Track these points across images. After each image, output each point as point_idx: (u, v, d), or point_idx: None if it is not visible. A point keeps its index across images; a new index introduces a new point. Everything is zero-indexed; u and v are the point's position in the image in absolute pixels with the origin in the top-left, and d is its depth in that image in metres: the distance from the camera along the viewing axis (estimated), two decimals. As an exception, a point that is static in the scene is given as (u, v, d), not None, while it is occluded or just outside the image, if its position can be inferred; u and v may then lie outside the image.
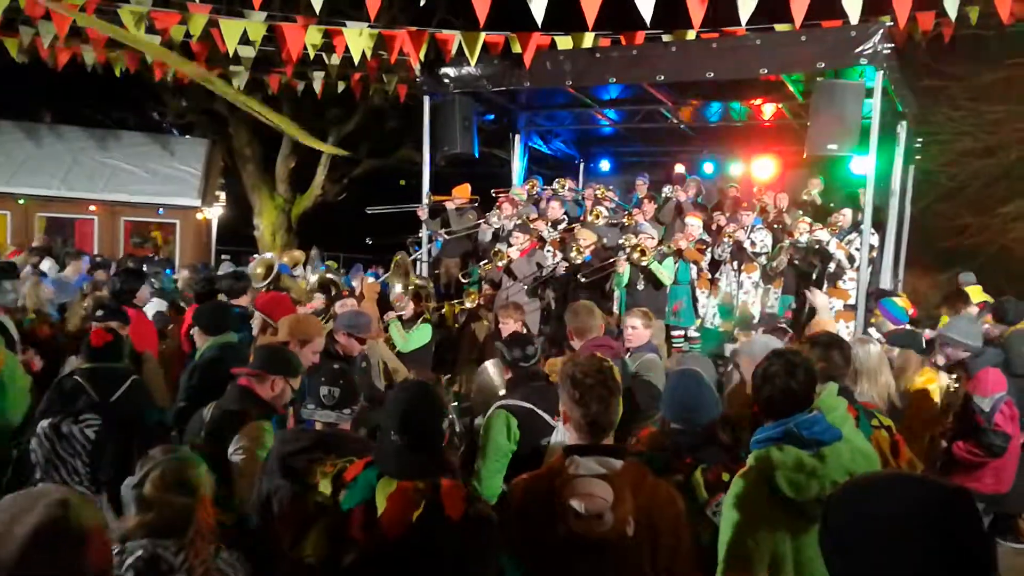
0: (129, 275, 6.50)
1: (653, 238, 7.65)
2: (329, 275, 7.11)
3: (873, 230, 7.17)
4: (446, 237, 8.64)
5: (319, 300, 6.32)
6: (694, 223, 8.15)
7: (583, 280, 7.28)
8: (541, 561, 2.09)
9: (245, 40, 7.79)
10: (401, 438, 2.18)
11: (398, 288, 6.81)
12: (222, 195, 17.65)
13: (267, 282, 6.42)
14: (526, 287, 7.54)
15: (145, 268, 9.21)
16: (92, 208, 15.01)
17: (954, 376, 4.85)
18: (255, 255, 12.38)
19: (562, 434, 3.17)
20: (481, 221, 8.48)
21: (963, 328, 4.49)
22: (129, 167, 15.48)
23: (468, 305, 7.28)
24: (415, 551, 2.03)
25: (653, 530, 2.06)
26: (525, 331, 4.99)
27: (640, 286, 7.45)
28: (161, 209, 15.43)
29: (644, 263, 7.28)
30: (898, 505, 1.21)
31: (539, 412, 3.28)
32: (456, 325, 7.33)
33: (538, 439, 3.24)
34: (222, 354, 4.15)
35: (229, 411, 3.22)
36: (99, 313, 4.96)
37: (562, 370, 2.28)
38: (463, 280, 8.10)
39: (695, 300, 8.16)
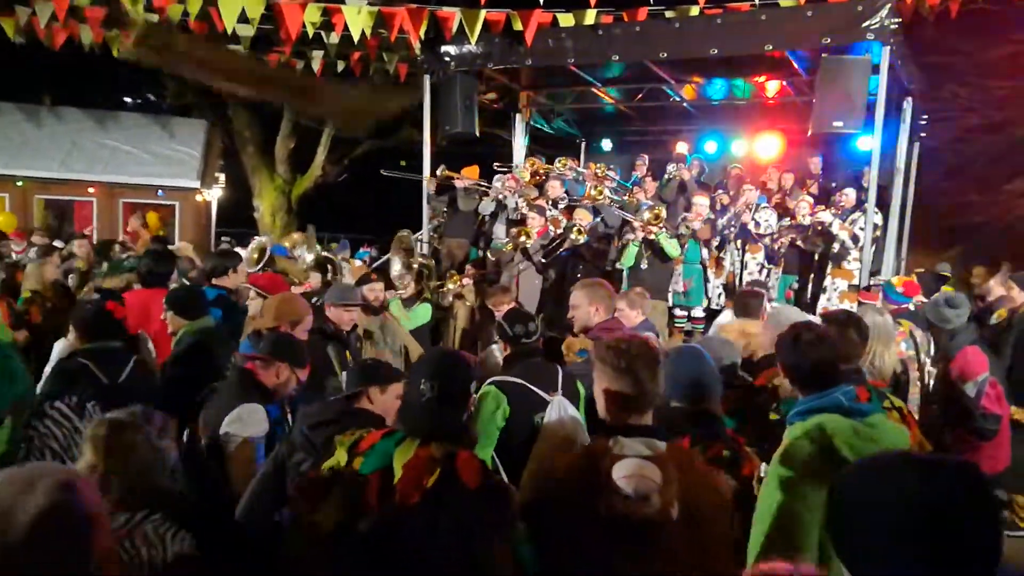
0: (159, 258, 6.13)
1: (662, 210, 7.61)
2: (325, 254, 7.08)
3: (877, 209, 7.12)
4: (438, 220, 8.62)
5: (315, 280, 6.31)
6: (702, 202, 8.10)
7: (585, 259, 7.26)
8: (577, 541, 2.06)
9: (244, 19, 7.70)
10: (431, 390, 2.19)
11: (398, 266, 6.79)
12: (222, 177, 17.57)
13: (260, 265, 6.36)
14: (533, 265, 7.52)
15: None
16: (91, 190, 14.97)
17: (924, 354, 4.86)
18: (255, 237, 12.34)
19: (557, 409, 3.19)
20: (484, 186, 8.43)
21: (931, 310, 4.51)
22: (128, 148, 15.41)
23: (450, 287, 7.22)
24: (430, 519, 2.02)
25: (695, 516, 2.02)
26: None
27: (644, 265, 7.41)
28: (160, 191, 15.38)
29: (655, 234, 7.21)
30: (907, 486, 1.19)
31: (532, 388, 3.26)
32: (447, 303, 7.32)
33: (531, 414, 3.23)
34: (202, 339, 4.03)
35: (226, 393, 3.20)
36: (95, 296, 4.82)
37: (599, 347, 2.25)
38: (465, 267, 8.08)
39: (706, 280, 8.12)
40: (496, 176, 8.54)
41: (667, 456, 2.06)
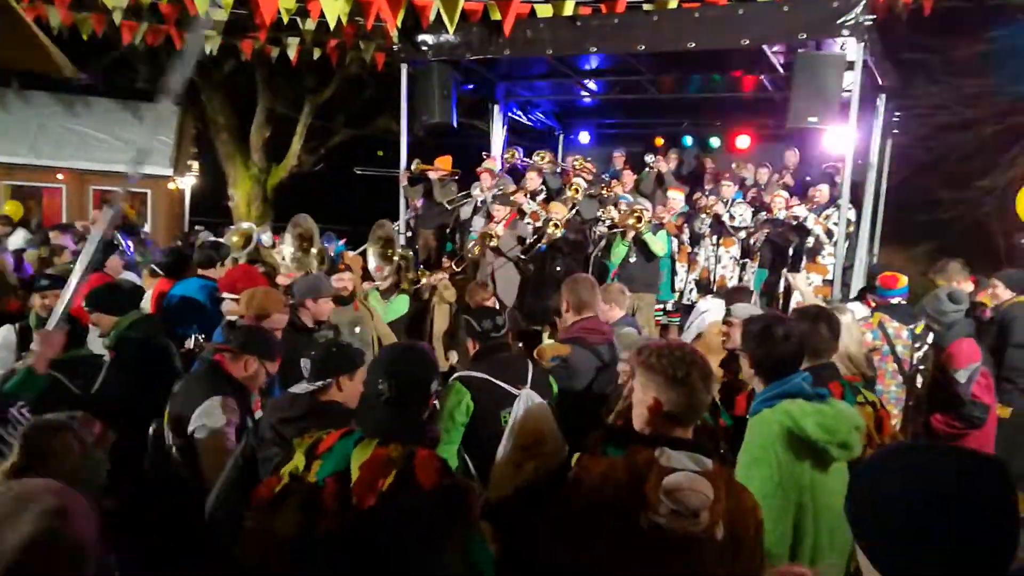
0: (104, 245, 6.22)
1: (645, 208, 7.64)
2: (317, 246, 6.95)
3: (850, 205, 7.19)
4: (418, 211, 8.56)
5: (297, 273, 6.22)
6: (677, 197, 8.16)
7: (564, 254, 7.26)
8: (607, 553, 1.94)
9: (216, 3, 7.56)
10: (389, 389, 2.14)
11: (374, 257, 6.73)
12: (195, 164, 17.31)
13: (245, 251, 6.28)
14: (510, 260, 7.50)
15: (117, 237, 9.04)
16: (60, 176, 14.66)
17: (917, 344, 4.91)
18: (230, 226, 12.19)
19: (524, 402, 3.17)
20: (464, 194, 8.40)
21: (930, 303, 4.56)
22: (98, 134, 15.10)
23: (423, 281, 7.15)
24: (386, 521, 1.98)
25: (736, 536, 1.95)
26: (496, 306, 4.96)
27: (632, 259, 7.43)
28: (132, 178, 15.10)
29: (640, 231, 7.25)
30: (929, 477, 1.20)
31: (498, 382, 3.22)
32: (425, 297, 7.27)
33: (497, 409, 3.20)
34: (143, 333, 3.91)
35: (193, 385, 3.16)
36: (42, 283, 4.52)
37: (648, 353, 2.12)
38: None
39: (675, 274, 8.18)
40: (473, 184, 8.50)
41: (715, 473, 1.97)
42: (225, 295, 4.55)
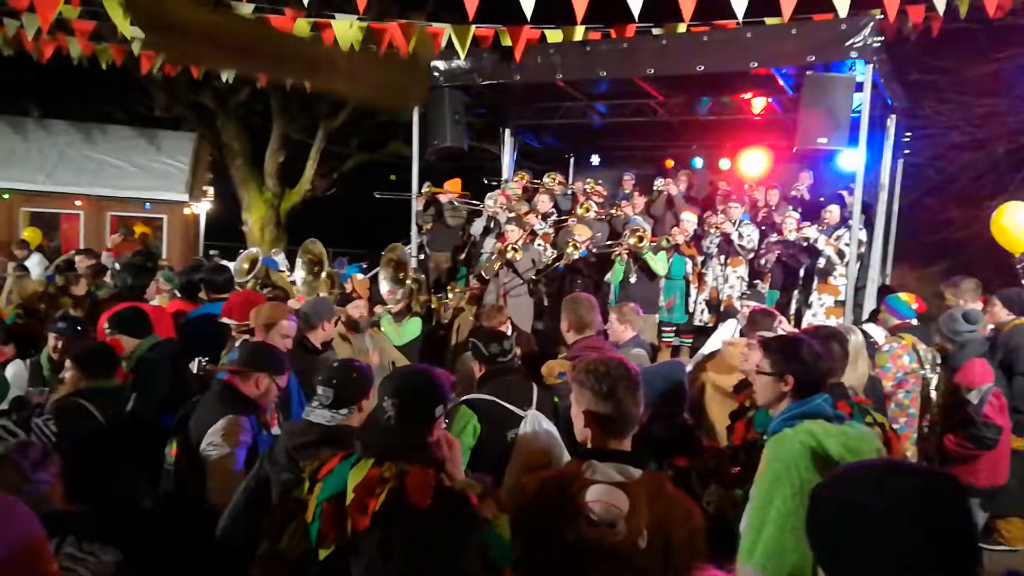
0: (137, 270, 6.15)
1: (647, 229, 7.68)
2: (328, 269, 7.03)
3: (861, 226, 7.19)
4: (425, 235, 8.63)
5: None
6: (689, 219, 8.18)
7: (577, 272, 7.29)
8: (547, 565, 2.04)
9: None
10: (391, 407, 2.15)
11: (386, 281, 6.77)
12: (210, 190, 17.52)
13: (251, 275, 6.34)
14: (523, 282, 7.53)
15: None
16: (78, 203, 14.87)
17: (928, 367, 4.87)
18: (243, 250, 12.31)
19: (532, 424, 3.18)
20: (475, 206, 8.46)
21: (945, 322, 4.53)
22: (116, 161, 15.33)
23: (449, 300, 7.21)
24: (382, 541, 1.99)
25: (667, 544, 2.00)
26: (509, 331, 4.97)
27: (633, 279, 7.46)
28: (148, 204, 15.31)
29: (641, 250, 7.29)
30: (886, 496, 1.20)
31: (505, 405, 3.24)
32: (444, 320, 7.30)
33: (503, 431, 3.21)
34: (162, 356, 4.00)
35: (207, 407, 3.17)
36: (60, 326, 4.50)
37: (579, 369, 2.21)
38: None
39: (688, 296, 8.18)
40: (488, 194, 8.57)
41: (639, 483, 2.03)
42: (225, 320, 4.57)
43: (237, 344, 4.32)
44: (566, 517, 1.98)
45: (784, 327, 4.54)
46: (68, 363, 3.66)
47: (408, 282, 6.80)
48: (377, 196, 9.12)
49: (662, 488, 2.11)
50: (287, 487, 2.53)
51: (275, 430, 3.30)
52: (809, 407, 2.49)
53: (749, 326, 4.55)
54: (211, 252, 15.04)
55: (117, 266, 8.95)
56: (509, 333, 4.59)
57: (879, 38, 6.40)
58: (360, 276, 7.99)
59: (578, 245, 7.45)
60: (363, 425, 2.42)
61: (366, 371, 2.87)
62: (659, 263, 7.49)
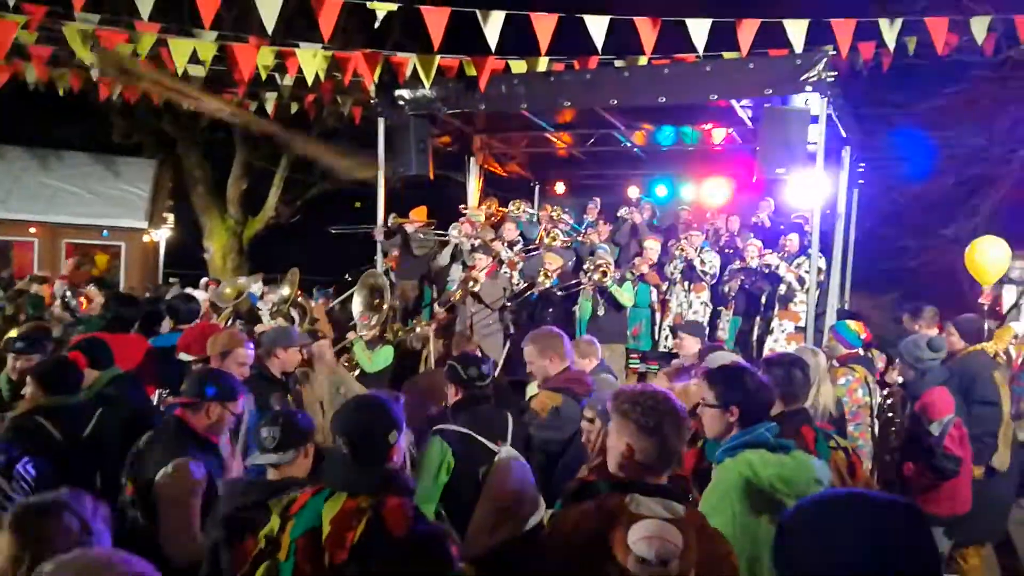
0: (122, 302, 5.89)
1: (610, 262, 7.74)
2: (300, 298, 6.89)
3: (820, 253, 7.35)
4: (390, 263, 8.61)
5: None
6: (653, 247, 8.28)
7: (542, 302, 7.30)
8: None
9: (195, 59, 7.66)
10: (346, 446, 2.14)
11: (360, 305, 6.69)
12: (171, 217, 17.26)
13: (235, 303, 6.16)
14: (493, 311, 7.52)
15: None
16: (32, 230, 14.53)
17: (885, 391, 4.93)
18: (204, 278, 12.12)
19: (504, 461, 3.10)
20: (440, 235, 8.47)
21: (908, 349, 4.61)
22: (72, 188, 15.07)
23: (418, 331, 7.13)
24: (360, 573, 1.95)
25: None
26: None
27: (601, 311, 7.49)
28: (105, 231, 15.01)
29: (606, 285, 7.35)
30: (851, 526, 1.22)
31: (479, 438, 3.18)
32: (412, 348, 7.23)
33: (476, 467, 3.14)
34: (121, 388, 3.89)
35: (159, 444, 3.05)
36: (19, 345, 4.38)
37: (622, 400, 2.13)
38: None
39: (653, 323, 8.26)
40: (452, 225, 8.58)
41: (686, 519, 1.94)
42: (182, 356, 4.44)
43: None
44: (609, 553, 1.86)
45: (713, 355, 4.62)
46: (28, 379, 3.55)
47: (385, 307, 6.72)
48: (334, 231, 9.03)
49: (704, 524, 2.04)
50: (233, 545, 2.45)
51: (229, 459, 3.21)
52: (751, 436, 2.49)
53: (673, 371, 4.65)
54: (171, 280, 14.77)
55: (69, 293, 8.77)
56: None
57: (832, 73, 6.62)
58: (317, 302, 7.90)
59: (549, 274, 7.48)
60: (325, 461, 2.37)
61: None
62: (625, 295, 7.55)
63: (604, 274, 7.37)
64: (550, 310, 7.67)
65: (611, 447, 2.14)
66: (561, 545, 1.99)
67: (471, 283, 7.29)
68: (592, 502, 2.00)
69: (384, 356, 6.19)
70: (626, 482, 2.05)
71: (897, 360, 4.81)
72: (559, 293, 7.71)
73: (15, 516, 1.96)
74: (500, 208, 9.49)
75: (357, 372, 5.95)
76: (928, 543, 1.23)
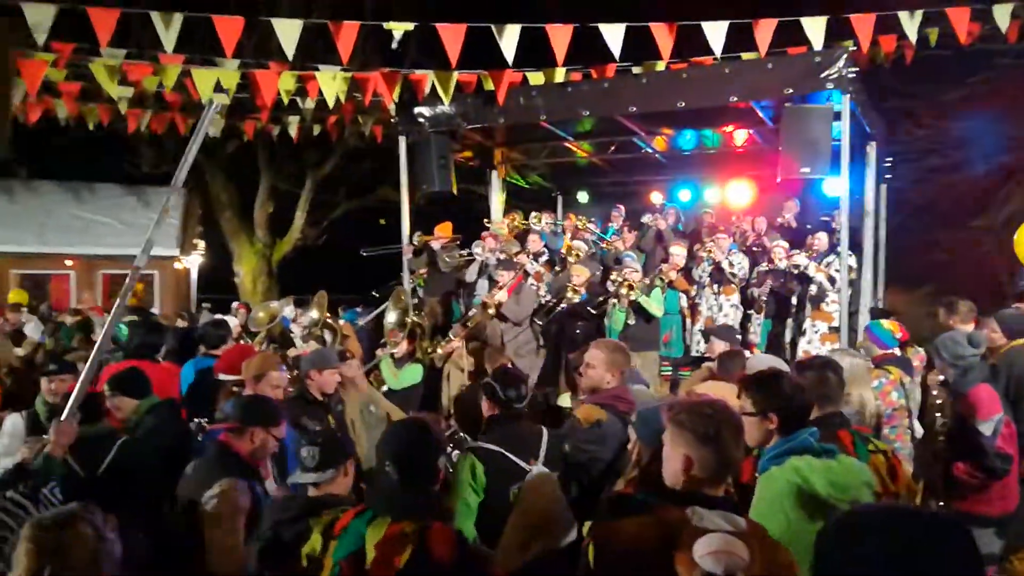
0: (148, 329, 5.91)
1: (637, 271, 7.68)
2: (329, 320, 6.95)
3: (850, 252, 7.25)
4: (417, 280, 8.64)
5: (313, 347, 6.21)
6: (679, 252, 8.22)
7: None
8: None
9: (219, 88, 7.81)
10: (394, 471, 2.15)
11: (393, 318, 6.73)
12: (201, 243, 17.56)
13: (268, 327, 6.22)
14: (524, 328, 7.51)
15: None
16: (68, 263, 14.86)
17: (935, 392, 4.82)
18: (235, 303, 12.29)
19: (536, 480, 3.02)
20: (467, 254, 8.50)
21: (947, 346, 4.49)
22: (104, 219, 15.41)
23: (440, 352, 7.11)
24: None
25: None
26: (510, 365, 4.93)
27: (631, 321, 7.44)
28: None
29: (632, 297, 7.29)
30: (892, 541, 1.20)
31: (511, 457, 3.15)
32: (438, 365, 7.24)
33: (507, 485, 3.11)
34: (162, 418, 3.93)
35: (203, 470, 3.09)
36: (51, 367, 4.58)
37: (678, 410, 2.10)
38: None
39: (684, 329, 8.19)
40: (475, 242, 8.61)
41: (749, 532, 1.91)
42: (223, 377, 4.50)
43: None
44: (668, 566, 1.83)
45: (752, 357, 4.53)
46: (51, 428, 3.58)
47: (408, 322, 6.75)
48: (364, 253, 9.12)
49: (766, 535, 2.00)
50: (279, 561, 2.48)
51: (268, 483, 3.23)
52: (795, 443, 2.45)
53: (721, 370, 4.55)
54: (203, 305, 15.00)
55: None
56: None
57: (853, 68, 6.54)
58: (344, 321, 7.95)
59: (577, 289, 7.45)
60: (370, 485, 2.40)
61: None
62: (654, 304, 7.45)
63: (631, 287, 7.30)
64: (579, 324, 7.62)
65: (667, 458, 2.09)
66: (615, 560, 1.94)
67: (488, 307, 7.26)
68: (649, 516, 1.96)
69: (412, 374, 6.21)
70: (684, 494, 2.01)
71: (935, 359, 4.68)
72: (591, 311, 7.66)
73: (32, 531, 1.99)
74: (523, 221, 9.51)
75: (385, 388, 5.99)
76: (971, 558, 1.20)
